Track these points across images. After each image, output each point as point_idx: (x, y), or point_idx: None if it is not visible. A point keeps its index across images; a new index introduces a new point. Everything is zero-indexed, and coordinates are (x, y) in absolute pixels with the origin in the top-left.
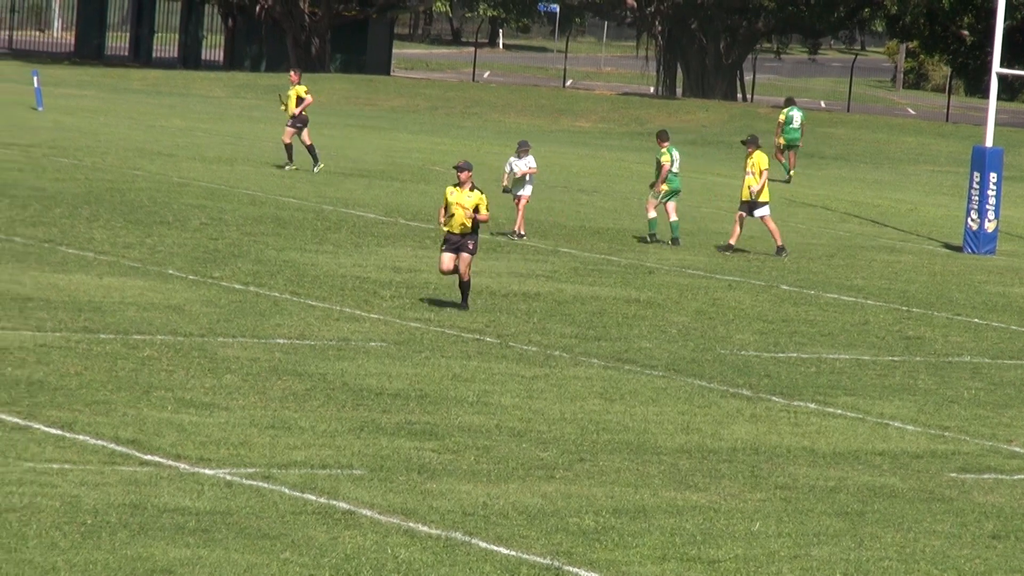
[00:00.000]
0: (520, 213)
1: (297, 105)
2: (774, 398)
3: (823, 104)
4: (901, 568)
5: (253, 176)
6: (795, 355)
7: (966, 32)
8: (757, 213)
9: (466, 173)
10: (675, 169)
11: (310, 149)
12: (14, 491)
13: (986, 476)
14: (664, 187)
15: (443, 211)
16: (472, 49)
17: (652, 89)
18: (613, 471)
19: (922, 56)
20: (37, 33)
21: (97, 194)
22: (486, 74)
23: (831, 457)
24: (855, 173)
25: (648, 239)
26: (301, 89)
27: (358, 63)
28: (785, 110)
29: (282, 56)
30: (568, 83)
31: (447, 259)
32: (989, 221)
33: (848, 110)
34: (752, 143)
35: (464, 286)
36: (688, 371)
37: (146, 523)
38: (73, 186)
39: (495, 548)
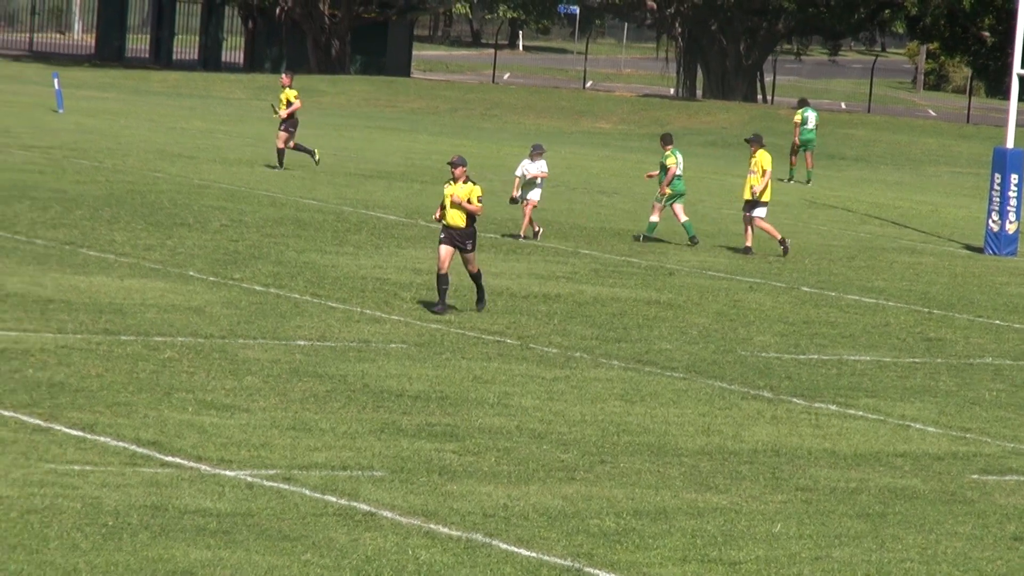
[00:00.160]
0: (527, 217)
1: (286, 108)
2: (795, 400)
3: (843, 105)
4: (923, 570)
5: (273, 178)
6: (816, 357)
7: (987, 33)
8: (754, 213)
9: (460, 169)
10: (679, 172)
11: (298, 147)
12: (35, 492)
13: (1008, 478)
14: (668, 191)
15: (440, 208)
16: (492, 51)
17: (672, 91)
18: (634, 473)
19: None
20: (57, 35)
21: (118, 196)
22: (506, 76)
23: (852, 459)
24: (876, 174)
25: (640, 238)
26: (291, 93)
27: (378, 65)
28: (800, 111)
29: (302, 58)
30: (588, 85)
31: (444, 252)
32: (1010, 223)
33: (868, 111)
34: (756, 142)
35: (443, 280)
36: (709, 373)
37: (167, 525)
38: (94, 188)
39: (516, 550)
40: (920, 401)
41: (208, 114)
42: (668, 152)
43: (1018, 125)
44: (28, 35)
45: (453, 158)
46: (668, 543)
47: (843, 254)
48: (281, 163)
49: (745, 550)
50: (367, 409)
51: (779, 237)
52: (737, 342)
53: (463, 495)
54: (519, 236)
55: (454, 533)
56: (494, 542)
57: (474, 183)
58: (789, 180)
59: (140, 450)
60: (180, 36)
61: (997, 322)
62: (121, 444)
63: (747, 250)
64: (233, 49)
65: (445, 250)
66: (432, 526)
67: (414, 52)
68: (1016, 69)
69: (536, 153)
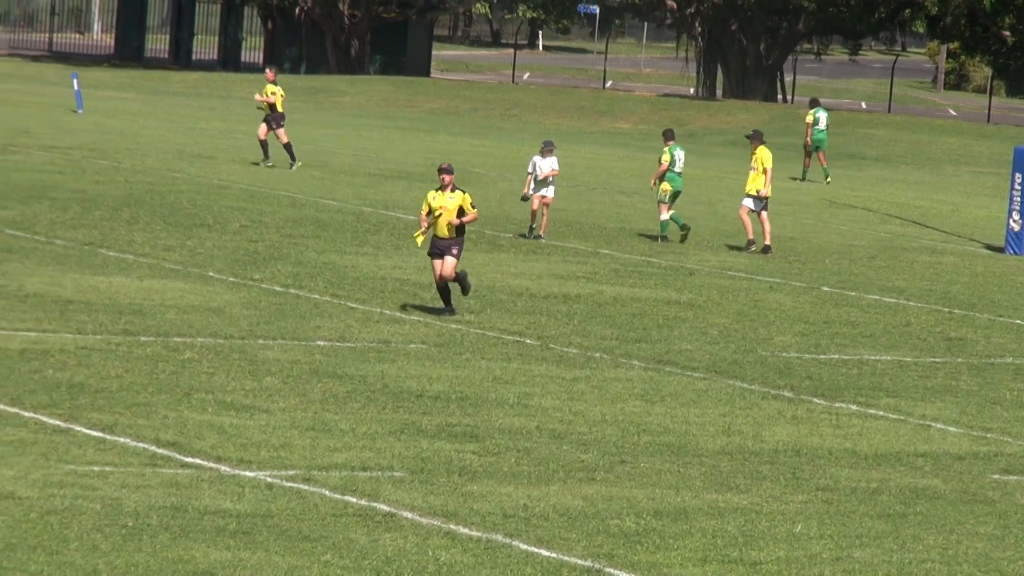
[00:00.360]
0: (546, 216)
1: (270, 104)
2: (815, 400)
3: (864, 105)
4: (944, 570)
5: (293, 178)
6: (836, 357)
7: (1007, 33)
8: (745, 203)
9: (449, 176)
10: (677, 169)
11: (287, 147)
12: (55, 493)
13: None
14: (666, 187)
15: (424, 216)
16: (512, 51)
17: (692, 90)
18: (654, 473)
19: (963, 57)
20: (77, 36)
21: (137, 196)
22: (526, 76)
23: (873, 459)
24: (896, 174)
25: (660, 239)
26: (276, 89)
27: (398, 65)
28: (812, 111)
29: (322, 58)
30: (608, 84)
31: (439, 265)
32: None
33: (889, 111)
34: (756, 138)
35: (444, 289)
36: (729, 373)
37: (187, 525)
38: (113, 188)
39: (536, 550)
40: (941, 401)
41: (227, 114)
42: (666, 148)
43: None
44: (48, 35)
45: (443, 164)
46: (688, 543)
47: (863, 254)
48: (266, 154)
49: (765, 550)
50: (387, 410)
51: (750, 237)
52: (757, 342)
53: (483, 495)
54: (540, 237)
55: (474, 534)
56: (514, 543)
57: (463, 191)
58: (803, 180)
59: (160, 451)
60: (199, 36)
61: (1018, 322)
62: (141, 445)
63: (767, 248)
64: (253, 49)
65: (439, 263)
66: (452, 527)
67: (434, 52)
68: None
69: (547, 149)
